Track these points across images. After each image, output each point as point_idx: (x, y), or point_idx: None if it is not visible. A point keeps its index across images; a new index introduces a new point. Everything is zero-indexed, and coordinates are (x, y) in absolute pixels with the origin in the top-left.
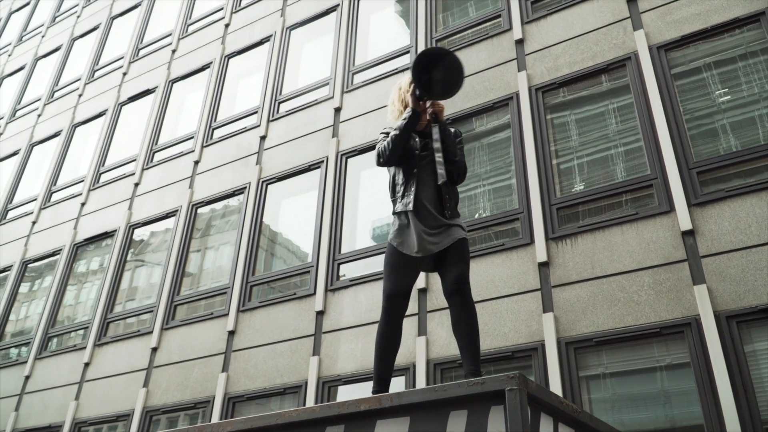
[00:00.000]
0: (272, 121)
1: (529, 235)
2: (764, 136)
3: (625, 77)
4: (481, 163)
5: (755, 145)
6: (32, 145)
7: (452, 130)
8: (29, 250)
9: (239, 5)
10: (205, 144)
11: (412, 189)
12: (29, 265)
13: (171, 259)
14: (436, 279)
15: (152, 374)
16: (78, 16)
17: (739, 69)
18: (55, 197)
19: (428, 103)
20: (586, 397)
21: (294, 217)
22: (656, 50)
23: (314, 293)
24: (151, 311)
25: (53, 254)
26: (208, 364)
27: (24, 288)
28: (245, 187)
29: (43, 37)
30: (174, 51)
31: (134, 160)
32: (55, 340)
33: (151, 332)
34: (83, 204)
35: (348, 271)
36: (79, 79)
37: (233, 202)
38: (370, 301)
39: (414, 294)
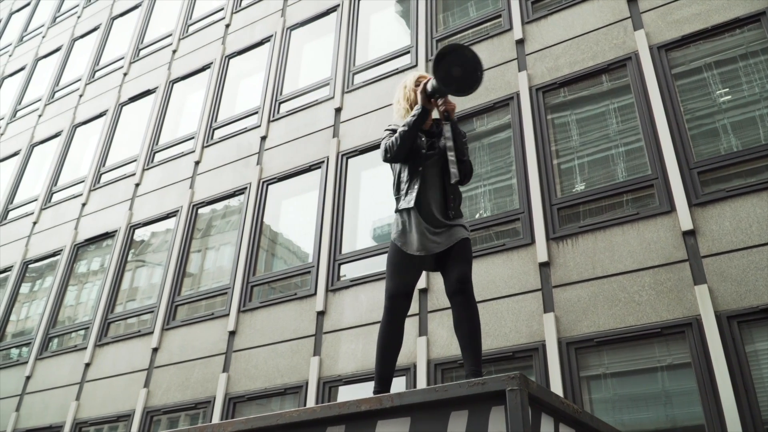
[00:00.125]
0: (273, 121)
1: (529, 235)
2: (765, 136)
3: (625, 77)
4: (481, 163)
5: (756, 144)
6: (33, 146)
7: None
8: (30, 250)
9: (240, 5)
10: (205, 144)
11: (416, 187)
12: (30, 266)
13: (172, 260)
14: (436, 279)
15: (153, 374)
16: (78, 17)
17: (740, 69)
18: (55, 197)
19: (440, 101)
20: (586, 398)
21: (295, 217)
22: (657, 50)
23: (315, 293)
24: (152, 311)
25: (54, 254)
26: (208, 364)
27: (25, 288)
28: (246, 188)
29: (43, 37)
30: (174, 51)
31: (135, 161)
32: (55, 340)
33: (152, 332)
34: (84, 204)
35: (349, 271)
36: (79, 80)
37: (234, 202)
38: (370, 302)
39: (415, 294)
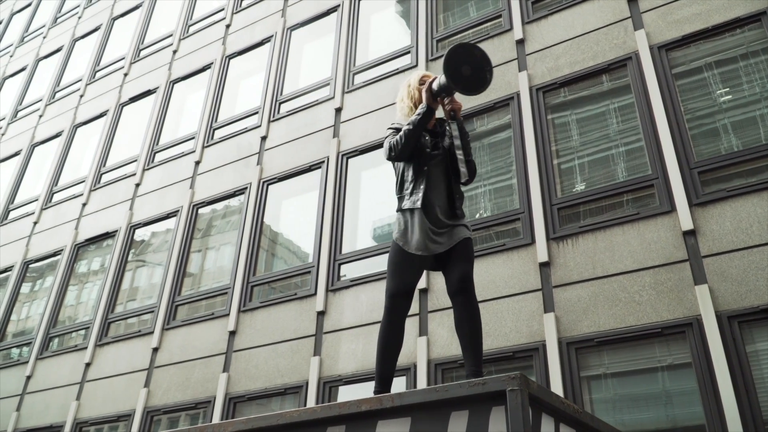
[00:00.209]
0: (273, 121)
1: (530, 235)
2: (765, 136)
3: (626, 77)
4: (482, 163)
5: (756, 144)
6: (33, 146)
7: None
8: (30, 250)
9: (240, 6)
10: (206, 144)
11: (422, 187)
12: (30, 266)
13: (172, 260)
14: (437, 279)
15: (153, 374)
16: (79, 17)
17: (740, 68)
18: (56, 198)
19: (446, 100)
20: (587, 398)
21: (295, 217)
22: (657, 50)
23: (315, 293)
24: (152, 311)
25: (54, 254)
26: (209, 364)
27: (25, 288)
28: (246, 188)
29: (44, 38)
30: (175, 51)
31: (135, 161)
32: (56, 340)
33: (152, 332)
34: (84, 204)
35: (349, 271)
36: (80, 80)
37: (234, 202)
38: (371, 302)
39: (415, 294)
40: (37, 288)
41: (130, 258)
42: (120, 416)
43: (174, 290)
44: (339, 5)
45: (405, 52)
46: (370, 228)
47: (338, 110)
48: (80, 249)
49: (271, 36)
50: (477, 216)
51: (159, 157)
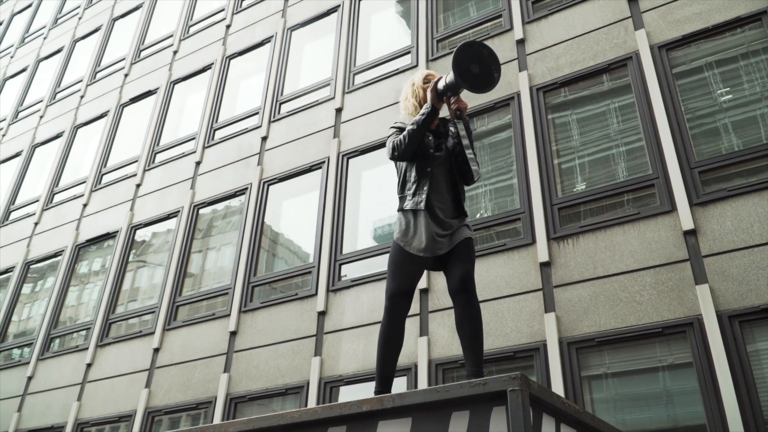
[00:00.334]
0: (273, 121)
1: (530, 235)
2: (766, 135)
3: (626, 77)
4: (482, 163)
5: (757, 144)
6: (34, 147)
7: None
8: (31, 251)
9: (240, 6)
10: (206, 145)
11: (425, 188)
12: (31, 266)
13: (173, 260)
14: (437, 279)
15: (154, 375)
16: (80, 18)
17: (741, 68)
18: (57, 198)
19: (452, 100)
20: (588, 398)
21: (295, 217)
22: (657, 50)
23: (316, 294)
24: (153, 312)
25: (55, 255)
26: (210, 364)
27: (26, 289)
28: (247, 188)
29: (45, 38)
30: (175, 52)
31: (136, 161)
32: (57, 340)
33: (153, 333)
34: (85, 205)
35: (349, 271)
36: (80, 81)
37: (235, 202)
38: (371, 302)
39: (416, 294)
40: (38, 289)
41: (130, 258)
42: (121, 417)
43: (175, 291)
44: (339, 5)
45: (405, 53)
46: (370, 228)
47: (339, 110)
48: (81, 249)
49: (272, 36)
50: (478, 216)
51: (160, 157)
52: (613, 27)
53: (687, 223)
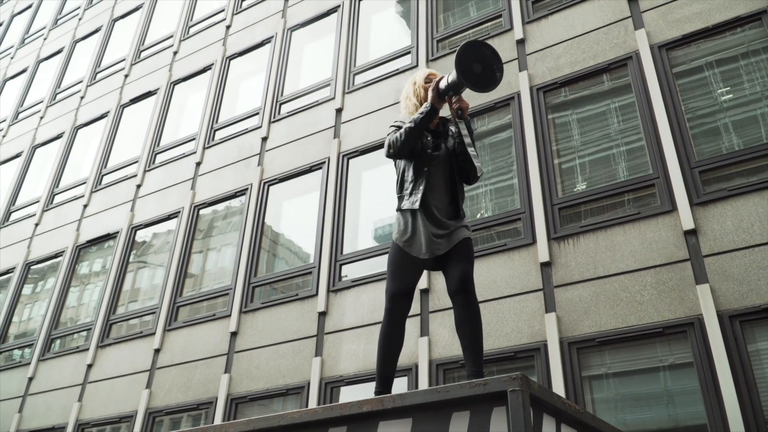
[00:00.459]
0: (274, 122)
1: (531, 235)
2: (766, 135)
3: (626, 76)
4: (482, 163)
5: (757, 143)
6: (35, 147)
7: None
8: (32, 252)
9: (240, 7)
10: (206, 145)
11: (421, 188)
12: (32, 267)
13: (173, 261)
14: (438, 279)
15: (155, 375)
16: (80, 19)
17: (741, 67)
18: (57, 199)
19: (454, 99)
20: (588, 398)
21: (296, 217)
22: (657, 49)
23: (316, 294)
24: (154, 312)
25: (56, 256)
26: (210, 365)
27: (27, 290)
28: (247, 189)
29: (45, 39)
30: (175, 53)
31: (136, 162)
32: (58, 341)
33: (154, 333)
34: (85, 206)
35: (350, 271)
36: (81, 81)
37: (235, 203)
38: (372, 302)
39: (416, 295)
40: (39, 289)
41: (131, 259)
42: (122, 417)
43: (175, 291)
44: (339, 6)
45: (405, 53)
46: (371, 228)
47: (339, 111)
48: (82, 250)
49: (272, 37)
50: (478, 216)
51: (160, 158)
52: (613, 27)
53: (687, 223)
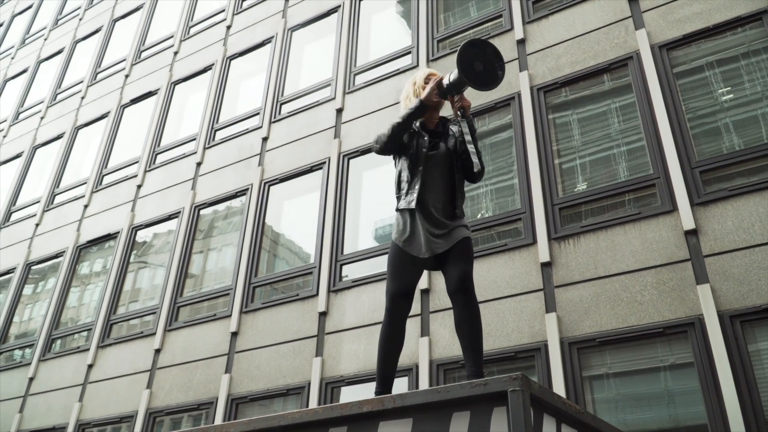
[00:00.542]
0: (274, 122)
1: (531, 235)
2: (767, 135)
3: (627, 76)
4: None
5: (758, 143)
6: (35, 148)
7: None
8: (32, 252)
9: (241, 7)
10: (207, 145)
11: (416, 187)
12: (33, 267)
13: (174, 261)
14: (438, 279)
15: (155, 376)
16: (80, 19)
17: (742, 67)
18: (58, 199)
19: (456, 98)
20: (589, 398)
21: (296, 218)
22: (658, 49)
23: (317, 294)
24: (154, 313)
25: (56, 256)
26: (211, 365)
27: (27, 290)
28: (247, 189)
29: (45, 39)
30: (176, 53)
31: (137, 162)
32: (58, 341)
33: (154, 334)
34: (86, 206)
35: (350, 272)
36: (81, 82)
37: (236, 203)
38: (372, 302)
39: (417, 295)
40: (40, 290)
41: (132, 259)
42: (122, 417)
43: (176, 291)
44: (340, 6)
45: (406, 53)
46: (371, 228)
47: (339, 111)
48: (82, 250)
49: (272, 37)
50: (478, 216)
51: (160, 158)
52: (614, 27)
53: (688, 223)
